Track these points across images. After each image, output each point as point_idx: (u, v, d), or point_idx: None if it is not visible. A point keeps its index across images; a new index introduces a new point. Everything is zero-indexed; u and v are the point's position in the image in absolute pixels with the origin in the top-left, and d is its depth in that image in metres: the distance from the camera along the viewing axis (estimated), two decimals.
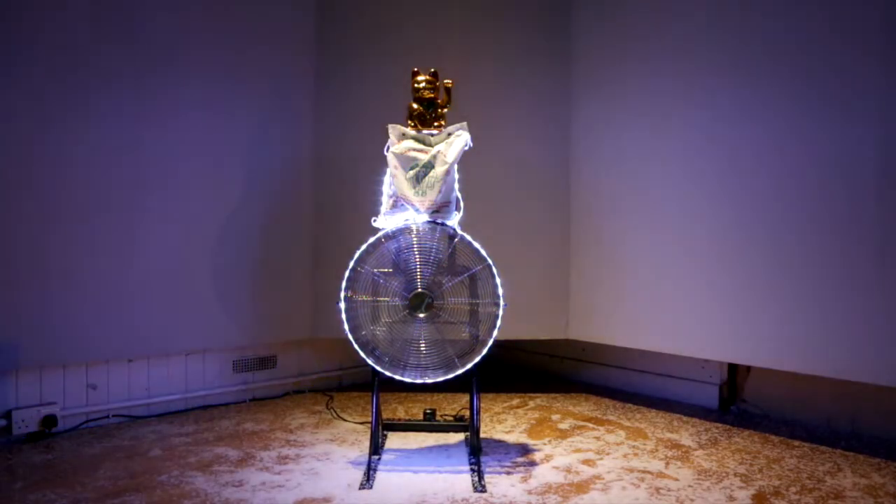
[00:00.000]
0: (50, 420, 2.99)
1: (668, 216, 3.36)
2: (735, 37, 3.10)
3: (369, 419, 3.19)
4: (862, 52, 2.73)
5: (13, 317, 2.88)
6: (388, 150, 2.68)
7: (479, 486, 2.46)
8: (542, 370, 4.37)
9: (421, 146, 2.67)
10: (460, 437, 3.06)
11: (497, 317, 2.58)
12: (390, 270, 2.61)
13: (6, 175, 2.86)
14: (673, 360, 3.67)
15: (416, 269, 2.58)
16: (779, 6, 2.96)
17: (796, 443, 2.98)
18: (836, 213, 2.80)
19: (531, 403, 3.63)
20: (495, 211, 3.66)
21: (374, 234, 2.62)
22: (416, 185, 2.61)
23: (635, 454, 2.83)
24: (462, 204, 2.78)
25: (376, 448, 2.74)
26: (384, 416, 3.26)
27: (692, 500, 2.36)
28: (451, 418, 3.30)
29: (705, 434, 3.11)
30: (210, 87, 3.42)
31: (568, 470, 2.65)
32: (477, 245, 2.60)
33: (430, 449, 2.92)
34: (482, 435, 3.04)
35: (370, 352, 2.60)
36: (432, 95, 2.78)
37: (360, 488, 2.44)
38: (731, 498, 2.38)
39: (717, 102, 3.17)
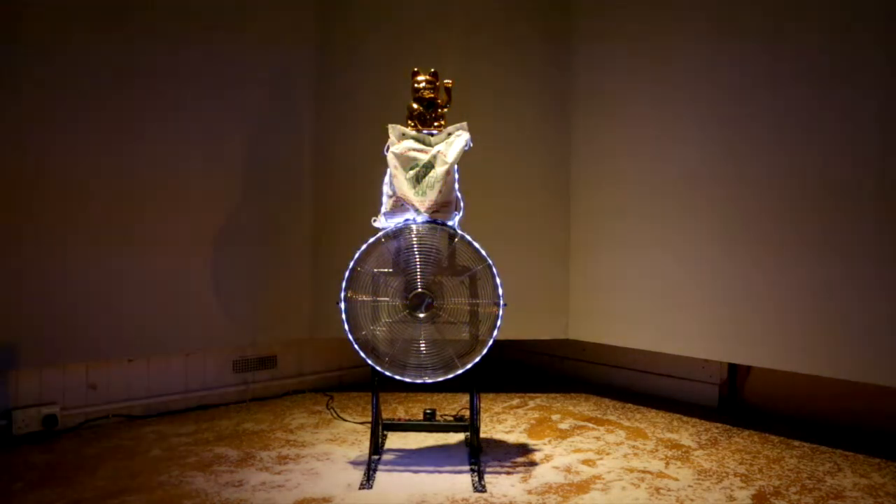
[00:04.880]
0: (50, 420, 2.99)
1: (668, 216, 3.35)
2: (739, 35, 3.10)
3: (369, 419, 3.19)
4: (865, 45, 2.73)
5: (13, 317, 2.88)
6: (388, 150, 2.68)
7: (479, 486, 2.46)
8: (542, 370, 4.37)
9: (421, 146, 2.67)
10: (460, 437, 3.06)
11: (497, 317, 2.57)
12: (390, 270, 2.61)
13: (4, 175, 2.86)
14: (673, 360, 3.66)
15: (416, 269, 2.58)
16: None
17: (796, 443, 2.98)
18: (837, 213, 2.80)
19: (531, 403, 3.63)
20: (495, 211, 3.65)
21: (374, 234, 2.62)
22: (416, 185, 2.61)
23: (635, 454, 2.83)
24: (462, 204, 2.78)
25: (376, 448, 2.73)
26: (384, 416, 3.26)
27: (692, 500, 2.36)
28: (451, 418, 3.30)
29: (705, 434, 3.10)
30: (210, 86, 3.42)
31: (568, 470, 2.65)
32: (477, 245, 2.60)
33: (430, 449, 2.92)
34: (482, 435, 3.04)
35: (370, 352, 2.60)
36: (432, 95, 2.78)
37: (360, 488, 2.45)
38: (731, 498, 2.38)
39: (717, 103, 3.17)
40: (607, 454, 2.83)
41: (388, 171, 2.70)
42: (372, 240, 2.60)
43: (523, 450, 2.89)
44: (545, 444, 2.96)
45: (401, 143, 2.68)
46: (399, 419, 3.25)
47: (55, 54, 2.96)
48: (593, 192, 3.67)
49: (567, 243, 3.78)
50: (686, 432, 3.13)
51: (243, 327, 3.58)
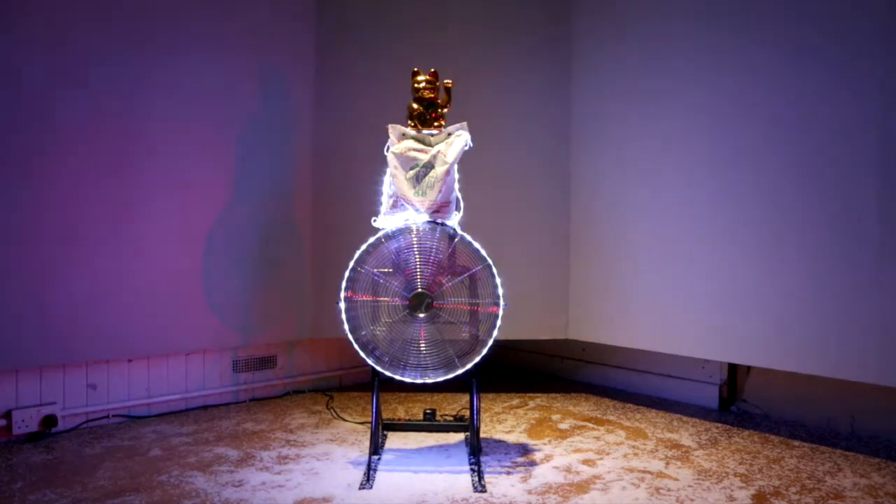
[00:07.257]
0: (50, 420, 2.99)
1: (668, 216, 3.35)
2: (739, 37, 3.11)
3: (369, 419, 3.19)
4: (864, 52, 2.73)
5: (13, 317, 2.88)
6: (388, 150, 2.68)
7: (479, 486, 2.46)
8: (542, 370, 4.37)
9: (421, 146, 2.67)
10: (460, 437, 3.06)
11: (497, 317, 2.58)
12: (390, 270, 2.61)
13: (4, 174, 2.86)
14: (673, 360, 3.67)
15: (416, 269, 2.58)
16: None
17: (796, 443, 2.98)
18: (836, 213, 2.80)
19: (531, 403, 3.63)
20: (495, 211, 3.66)
21: (374, 234, 2.62)
22: (416, 185, 2.61)
23: (635, 454, 2.83)
24: (462, 204, 2.78)
25: (376, 448, 2.74)
26: (384, 416, 3.26)
27: (692, 500, 2.36)
28: (451, 418, 3.30)
29: (705, 434, 3.11)
30: (210, 86, 3.42)
31: (568, 470, 2.65)
32: (477, 245, 2.60)
33: (430, 449, 2.92)
34: (482, 435, 3.04)
35: (370, 352, 2.60)
36: (432, 95, 2.78)
37: (360, 488, 2.45)
38: (731, 498, 2.38)
39: (717, 103, 3.17)
40: (607, 454, 2.83)
41: (388, 170, 2.70)
42: (372, 240, 2.60)
43: (523, 450, 2.89)
44: (545, 444, 2.96)
45: (401, 143, 2.68)
46: (399, 419, 3.25)
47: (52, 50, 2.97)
48: (594, 192, 3.66)
49: (567, 243, 3.77)
50: (686, 432, 3.13)
51: (243, 327, 3.58)
